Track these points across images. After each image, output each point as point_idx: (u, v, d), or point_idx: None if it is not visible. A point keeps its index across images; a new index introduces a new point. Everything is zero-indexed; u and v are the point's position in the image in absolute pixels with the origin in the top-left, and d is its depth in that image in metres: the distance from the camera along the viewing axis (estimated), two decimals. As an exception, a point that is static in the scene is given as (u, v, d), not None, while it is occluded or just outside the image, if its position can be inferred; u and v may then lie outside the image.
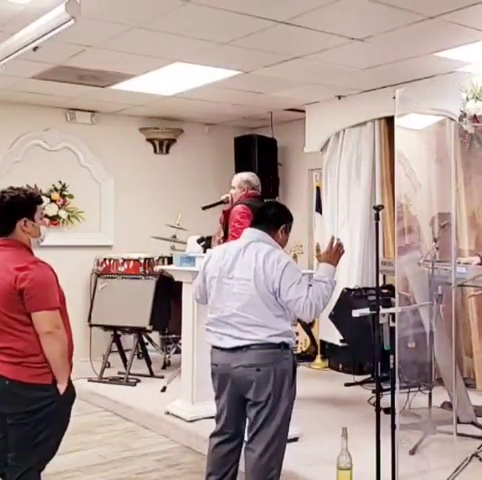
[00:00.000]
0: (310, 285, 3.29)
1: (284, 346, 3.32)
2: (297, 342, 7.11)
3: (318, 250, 3.55)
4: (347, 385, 6.14)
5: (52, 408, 2.89)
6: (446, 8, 4.28)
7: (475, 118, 5.55)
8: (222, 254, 3.47)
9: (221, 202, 5.31)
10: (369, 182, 6.76)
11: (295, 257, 6.30)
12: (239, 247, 3.42)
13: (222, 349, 3.37)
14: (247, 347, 3.28)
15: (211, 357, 3.47)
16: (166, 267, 5.80)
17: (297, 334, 7.08)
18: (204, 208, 5.44)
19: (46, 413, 2.88)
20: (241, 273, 3.33)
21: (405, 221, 5.04)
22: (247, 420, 3.41)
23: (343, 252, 3.46)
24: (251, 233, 3.47)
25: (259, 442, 3.32)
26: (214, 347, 3.44)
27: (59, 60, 5.45)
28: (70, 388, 2.96)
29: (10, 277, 2.84)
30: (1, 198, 2.97)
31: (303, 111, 7.37)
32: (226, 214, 5.13)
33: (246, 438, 3.42)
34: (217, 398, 3.50)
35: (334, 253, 3.42)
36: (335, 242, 3.44)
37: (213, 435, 3.53)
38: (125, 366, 6.51)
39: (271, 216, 3.49)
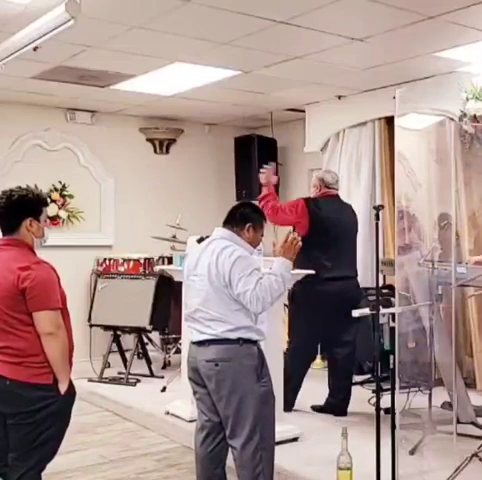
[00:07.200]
0: (261, 278, 3.29)
1: (243, 341, 3.32)
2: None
3: (275, 245, 3.56)
4: (347, 385, 6.13)
5: (53, 408, 2.89)
6: (446, 8, 4.28)
7: (475, 118, 5.55)
8: (192, 253, 3.60)
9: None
10: (369, 182, 6.76)
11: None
12: (203, 245, 3.51)
13: (193, 343, 3.46)
14: (209, 342, 3.34)
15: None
16: (166, 267, 5.80)
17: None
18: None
19: (47, 413, 2.88)
20: (201, 269, 3.41)
21: (405, 221, 5.03)
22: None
23: (299, 246, 3.44)
24: (217, 231, 3.53)
25: (235, 439, 3.33)
26: (190, 341, 3.52)
27: (59, 60, 5.45)
28: (71, 388, 2.96)
29: (13, 276, 2.84)
30: (10, 196, 2.99)
31: (303, 111, 7.37)
32: None
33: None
34: (194, 392, 3.54)
35: (288, 247, 3.41)
36: (291, 236, 3.44)
37: (197, 432, 3.55)
38: (125, 366, 6.51)
39: (238, 215, 3.52)
